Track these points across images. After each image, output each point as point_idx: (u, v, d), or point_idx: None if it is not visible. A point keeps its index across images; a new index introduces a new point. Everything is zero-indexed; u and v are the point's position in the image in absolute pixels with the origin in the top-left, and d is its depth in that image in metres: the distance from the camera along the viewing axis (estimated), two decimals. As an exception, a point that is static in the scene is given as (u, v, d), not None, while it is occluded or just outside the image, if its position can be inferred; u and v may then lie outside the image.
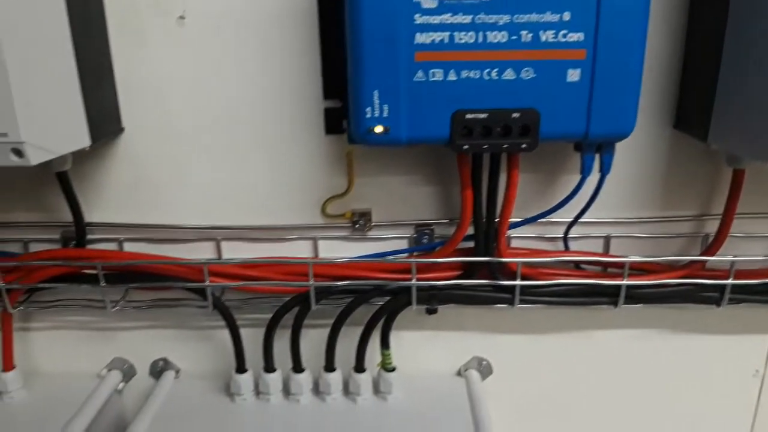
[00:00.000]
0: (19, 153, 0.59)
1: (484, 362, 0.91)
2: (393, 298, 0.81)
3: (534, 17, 0.61)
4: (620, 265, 0.80)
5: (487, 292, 0.81)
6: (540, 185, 0.81)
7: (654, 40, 0.73)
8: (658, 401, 0.93)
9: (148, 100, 0.77)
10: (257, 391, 0.86)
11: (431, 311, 0.83)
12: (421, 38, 0.62)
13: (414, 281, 0.78)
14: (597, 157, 0.72)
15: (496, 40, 0.62)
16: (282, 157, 0.80)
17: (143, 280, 0.80)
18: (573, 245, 0.83)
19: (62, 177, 0.76)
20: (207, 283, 0.79)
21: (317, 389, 0.87)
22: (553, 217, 0.79)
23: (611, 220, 0.83)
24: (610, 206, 0.81)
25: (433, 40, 0.62)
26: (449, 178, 0.80)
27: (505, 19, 0.61)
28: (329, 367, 0.85)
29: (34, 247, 0.84)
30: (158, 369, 0.92)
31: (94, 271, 0.80)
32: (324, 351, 0.84)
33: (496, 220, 0.76)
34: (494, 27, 0.62)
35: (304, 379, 0.85)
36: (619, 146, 0.72)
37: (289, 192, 0.81)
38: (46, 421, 0.80)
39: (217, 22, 0.74)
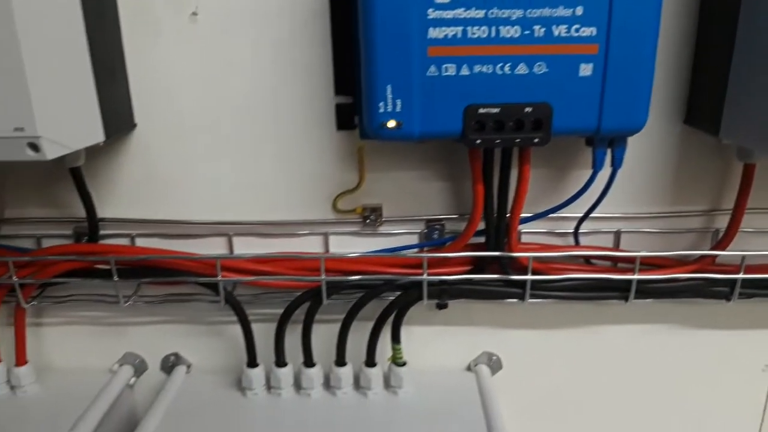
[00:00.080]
0: (35, 147, 0.60)
1: (494, 357, 0.91)
2: (404, 292, 0.81)
3: (547, 12, 0.62)
4: (631, 260, 0.80)
5: (498, 286, 0.81)
6: (551, 180, 0.81)
7: (665, 35, 0.73)
8: (667, 396, 0.94)
9: (160, 96, 0.78)
10: (268, 386, 0.87)
11: (442, 306, 0.83)
12: (434, 33, 0.62)
13: (425, 276, 0.79)
14: (608, 151, 0.72)
15: (509, 35, 0.62)
16: (293, 152, 0.80)
17: (155, 275, 0.81)
18: (583, 240, 0.83)
19: (75, 173, 0.76)
20: (219, 277, 0.79)
21: (328, 384, 0.87)
22: (564, 212, 0.79)
23: (621, 215, 0.83)
24: (621, 201, 0.82)
25: (446, 35, 0.62)
26: (460, 174, 0.81)
27: (518, 13, 0.62)
28: (340, 361, 0.85)
29: (47, 243, 0.84)
30: (169, 364, 0.92)
31: (106, 267, 0.80)
32: (335, 345, 0.84)
33: (507, 215, 0.76)
34: (507, 22, 0.62)
35: (315, 374, 0.85)
36: (630, 141, 0.72)
37: (301, 187, 0.82)
38: (59, 416, 0.81)
39: (230, 18, 0.75)
